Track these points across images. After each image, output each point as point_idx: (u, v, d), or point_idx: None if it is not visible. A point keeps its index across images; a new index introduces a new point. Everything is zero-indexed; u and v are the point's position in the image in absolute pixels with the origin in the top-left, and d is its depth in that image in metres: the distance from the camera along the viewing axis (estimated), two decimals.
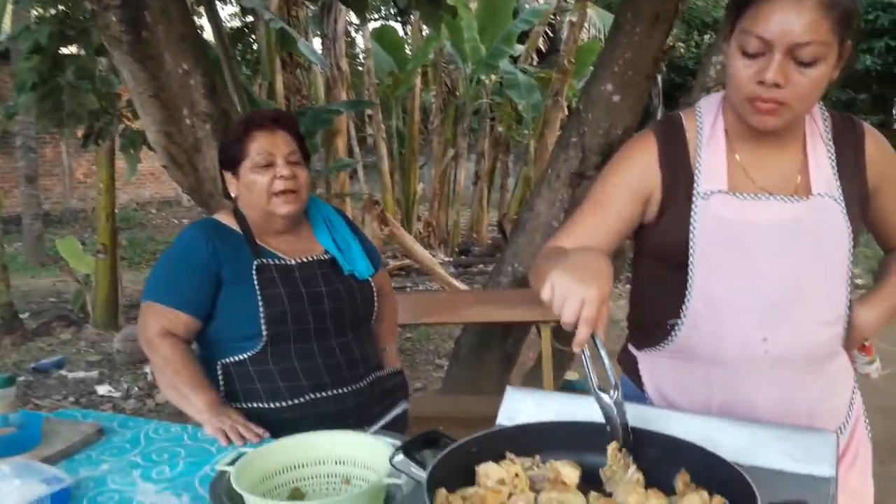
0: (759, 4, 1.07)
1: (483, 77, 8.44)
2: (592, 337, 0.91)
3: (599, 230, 1.23)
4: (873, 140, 1.23)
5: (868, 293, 1.32)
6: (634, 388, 1.32)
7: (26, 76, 3.65)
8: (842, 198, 1.17)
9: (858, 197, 1.20)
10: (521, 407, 1.10)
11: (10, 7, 5.73)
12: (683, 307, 1.20)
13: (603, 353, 0.91)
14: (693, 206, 1.18)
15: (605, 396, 0.90)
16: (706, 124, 1.22)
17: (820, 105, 1.23)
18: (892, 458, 3.17)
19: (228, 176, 1.69)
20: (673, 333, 1.23)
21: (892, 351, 5.17)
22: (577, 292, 0.90)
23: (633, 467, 0.90)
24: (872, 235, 1.33)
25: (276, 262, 1.63)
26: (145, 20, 2.32)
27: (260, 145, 1.61)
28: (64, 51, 3.82)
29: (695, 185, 1.19)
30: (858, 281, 5.99)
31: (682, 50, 12.88)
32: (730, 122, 1.22)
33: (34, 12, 6.64)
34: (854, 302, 1.26)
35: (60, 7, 3.71)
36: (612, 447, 0.91)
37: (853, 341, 1.28)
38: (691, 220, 1.18)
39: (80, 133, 4.41)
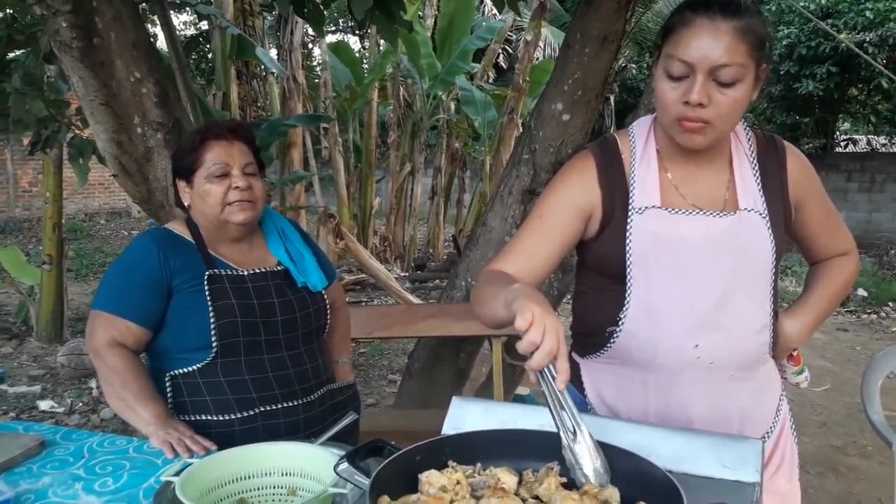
0: (680, 31, 1.15)
1: (440, 93, 8.52)
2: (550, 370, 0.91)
3: (544, 246, 1.28)
4: (794, 158, 1.31)
5: (794, 304, 1.40)
6: (576, 394, 1.38)
7: None
8: (766, 213, 1.25)
9: (782, 212, 1.28)
10: (466, 416, 1.12)
11: None
12: (622, 315, 1.26)
13: (563, 392, 0.92)
14: (629, 221, 1.24)
15: (571, 454, 0.91)
16: (639, 144, 1.30)
17: (744, 125, 1.31)
18: (829, 471, 3.29)
19: (182, 185, 1.67)
20: (612, 340, 1.29)
21: (831, 368, 5.38)
22: (555, 326, 0.92)
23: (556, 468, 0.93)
24: (799, 248, 1.41)
25: (229, 272, 1.62)
26: (96, 26, 2.28)
27: (216, 155, 1.61)
28: (11, 55, 3.73)
29: (630, 201, 1.26)
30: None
31: (634, 71, 13.20)
32: (661, 141, 1.29)
33: None
34: (781, 313, 1.34)
35: (7, 10, 3.62)
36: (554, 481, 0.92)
37: (781, 351, 1.36)
38: (627, 234, 1.24)
39: (26, 141, 4.30)
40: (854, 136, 12.43)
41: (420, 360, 3.32)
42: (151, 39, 2.53)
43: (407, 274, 8.36)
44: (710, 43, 1.11)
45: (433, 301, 6.42)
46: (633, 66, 13.15)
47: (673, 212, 1.24)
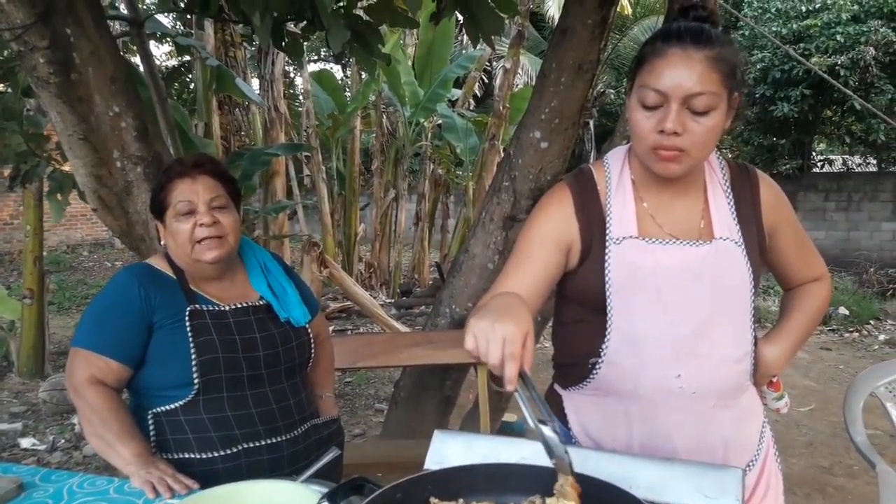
0: (653, 61, 1.17)
1: (422, 120, 8.59)
2: (521, 375, 0.92)
3: (525, 281, 1.28)
4: (767, 186, 1.34)
5: (772, 331, 1.41)
6: (560, 427, 1.37)
7: None
8: (742, 241, 1.27)
9: (756, 240, 1.30)
10: (448, 450, 1.12)
11: None
12: (603, 346, 1.27)
13: (532, 388, 0.93)
14: (607, 251, 1.25)
15: (545, 428, 0.91)
16: (614, 174, 1.31)
17: (717, 155, 1.33)
18: (816, 492, 3.30)
19: (158, 224, 1.67)
20: (594, 372, 1.29)
21: (814, 387, 5.41)
22: (498, 332, 0.93)
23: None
24: (773, 275, 1.43)
25: (210, 307, 1.62)
26: (74, 61, 2.28)
27: (180, 192, 1.60)
28: None
29: (607, 231, 1.27)
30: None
31: (612, 95, 13.38)
32: (636, 171, 1.30)
33: None
34: (759, 340, 1.35)
35: None
36: (571, 487, 0.92)
37: (761, 377, 1.37)
38: (606, 265, 1.25)
39: (5, 174, 4.27)
40: (830, 157, 12.62)
41: (406, 389, 3.31)
42: (130, 73, 2.54)
43: (393, 300, 8.34)
44: (682, 72, 1.13)
45: (419, 328, 6.41)
46: (612, 91, 13.33)
47: (650, 241, 1.25)
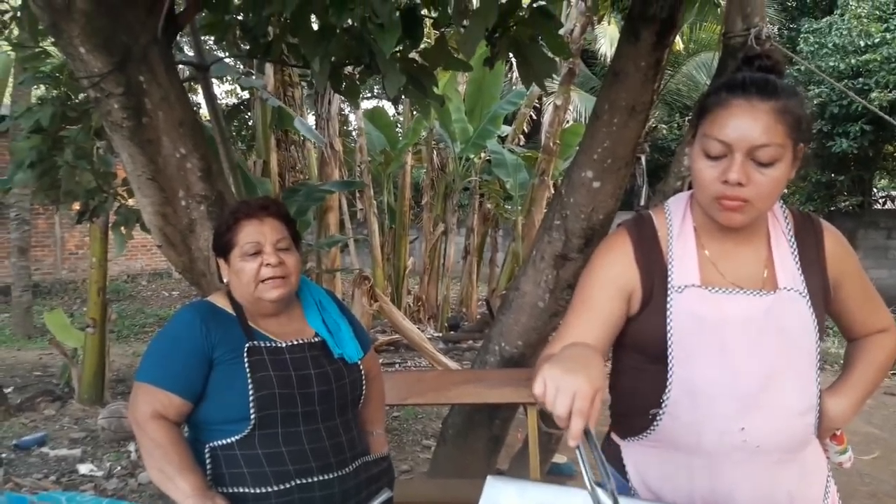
0: (716, 112, 1.17)
1: (472, 156, 8.68)
2: (585, 432, 0.92)
3: (591, 330, 1.26)
4: (831, 236, 1.31)
5: (836, 382, 1.37)
6: (618, 477, 1.35)
7: (26, 154, 3.74)
8: (806, 291, 1.24)
9: (821, 290, 1.27)
10: (501, 498, 1.12)
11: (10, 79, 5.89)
12: (664, 397, 1.24)
13: (595, 447, 0.92)
14: (668, 299, 1.24)
15: (602, 493, 0.90)
16: (675, 221, 1.30)
17: (781, 204, 1.31)
18: None
19: (221, 262, 1.73)
20: (654, 423, 1.26)
21: (879, 434, 5.17)
22: (569, 385, 0.92)
23: None
24: (837, 326, 1.39)
25: (268, 344, 1.66)
26: (146, 107, 2.40)
27: (248, 234, 1.66)
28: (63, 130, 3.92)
29: (669, 279, 1.25)
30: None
31: (665, 131, 13.28)
32: (698, 219, 1.29)
33: (36, 91, 6.83)
34: (824, 392, 1.31)
35: (63, 89, 3.83)
36: None
37: (825, 431, 1.33)
38: (668, 313, 1.23)
39: (75, 208, 4.47)
40: (893, 193, 12.22)
41: (454, 427, 3.30)
42: (196, 116, 2.66)
43: (440, 334, 8.35)
44: (747, 124, 1.13)
45: (467, 363, 6.39)
46: (664, 126, 13.24)
47: (713, 290, 1.23)
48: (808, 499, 1.28)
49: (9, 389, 5.55)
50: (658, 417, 1.25)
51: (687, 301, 1.23)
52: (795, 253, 1.28)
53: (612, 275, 1.29)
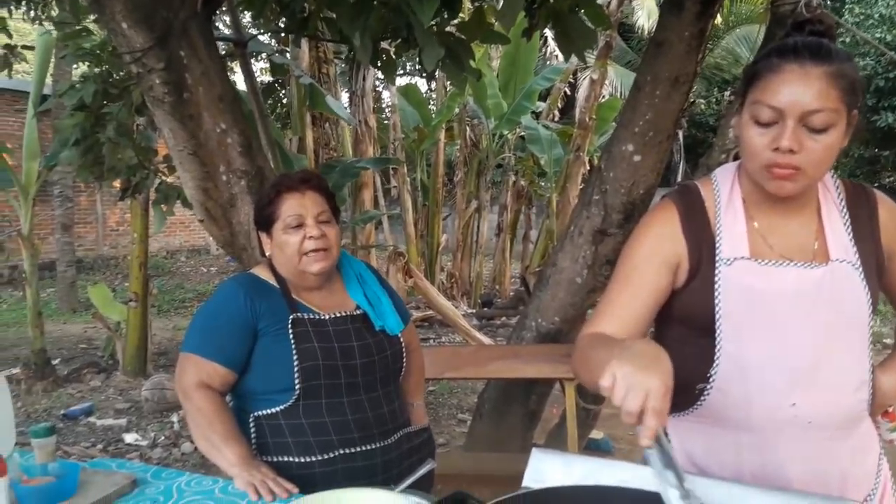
0: (768, 77, 1.13)
1: (506, 132, 8.60)
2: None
3: (634, 304, 1.24)
4: (886, 207, 1.26)
5: (888, 359, 1.34)
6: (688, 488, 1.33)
7: (70, 132, 3.81)
8: (859, 263, 1.20)
9: (874, 262, 1.23)
10: (546, 468, 1.11)
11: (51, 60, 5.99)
12: (712, 372, 1.21)
13: (668, 446, 0.90)
14: (717, 272, 1.21)
15: (673, 490, 0.88)
16: (723, 192, 1.26)
17: (832, 174, 1.27)
18: None
19: (263, 236, 1.75)
20: (701, 398, 1.24)
21: None
22: (642, 383, 0.90)
23: None
24: (889, 300, 1.35)
25: (311, 316, 1.67)
26: (186, 82, 2.42)
27: (290, 207, 1.67)
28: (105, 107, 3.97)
29: (717, 251, 1.22)
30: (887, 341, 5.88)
31: (703, 106, 13.00)
32: (746, 190, 1.25)
33: (78, 68, 6.92)
34: (876, 368, 1.28)
35: (104, 66, 3.88)
36: None
37: (877, 407, 1.29)
38: (716, 286, 1.20)
39: (117, 185, 4.56)
40: None
41: (490, 402, 3.31)
42: (235, 92, 2.67)
43: (474, 311, 8.36)
44: (800, 89, 1.09)
45: (501, 339, 6.40)
46: (702, 101, 12.96)
47: (763, 263, 1.20)
48: (860, 476, 1.25)
49: (56, 361, 5.73)
50: (705, 392, 1.23)
51: (736, 274, 1.20)
52: (848, 224, 1.24)
53: (658, 247, 1.26)
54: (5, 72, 4.47)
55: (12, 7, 4.18)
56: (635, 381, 0.90)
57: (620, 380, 0.91)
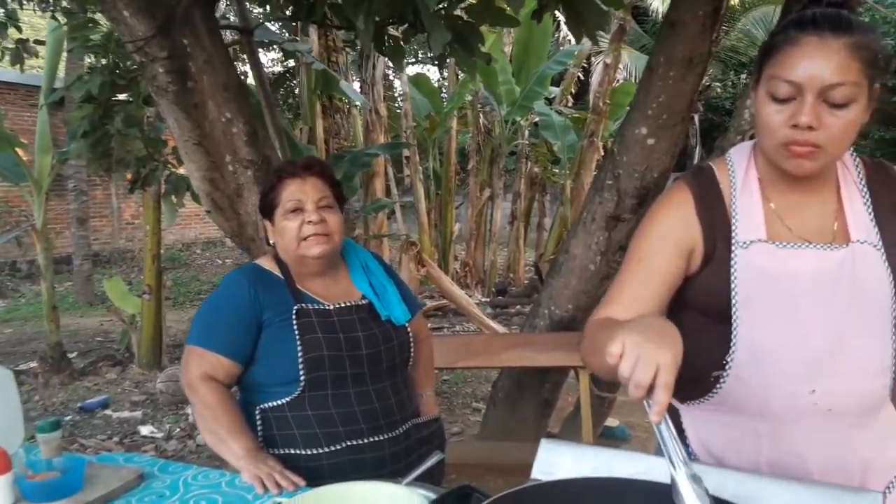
0: (785, 50, 1.07)
1: (518, 118, 8.53)
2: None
3: (647, 289, 1.20)
4: None
5: None
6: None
7: (79, 124, 3.81)
8: (881, 244, 1.15)
9: None
10: (556, 460, 1.08)
11: (63, 55, 6.00)
12: (728, 359, 1.17)
13: (672, 427, 0.87)
14: (733, 255, 1.16)
15: (684, 471, 0.84)
16: (739, 173, 1.22)
17: (851, 152, 1.22)
18: None
19: (267, 224, 1.73)
20: (718, 386, 1.20)
21: None
22: (652, 356, 0.86)
23: None
24: None
25: (315, 306, 1.65)
26: (190, 71, 2.40)
27: (290, 192, 1.66)
28: (114, 99, 3.97)
29: (733, 234, 1.18)
30: None
31: (719, 89, 12.82)
32: (762, 170, 1.21)
33: (87, 60, 6.94)
34: None
35: (111, 57, 3.87)
36: None
37: None
38: (732, 270, 1.16)
39: (128, 178, 4.56)
40: None
41: (504, 390, 3.28)
42: (241, 81, 2.64)
43: (488, 299, 8.33)
44: (819, 62, 1.04)
45: (515, 328, 6.36)
46: (718, 84, 12.79)
47: (780, 245, 1.15)
48: (883, 464, 1.21)
49: (73, 354, 5.77)
50: (721, 380, 1.19)
51: (753, 257, 1.15)
52: (868, 203, 1.18)
53: (672, 231, 1.22)
54: (18, 66, 4.48)
55: (23, 0, 4.19)
56: (646, 353, 0.86)
57: (630, 348, 0.87)
